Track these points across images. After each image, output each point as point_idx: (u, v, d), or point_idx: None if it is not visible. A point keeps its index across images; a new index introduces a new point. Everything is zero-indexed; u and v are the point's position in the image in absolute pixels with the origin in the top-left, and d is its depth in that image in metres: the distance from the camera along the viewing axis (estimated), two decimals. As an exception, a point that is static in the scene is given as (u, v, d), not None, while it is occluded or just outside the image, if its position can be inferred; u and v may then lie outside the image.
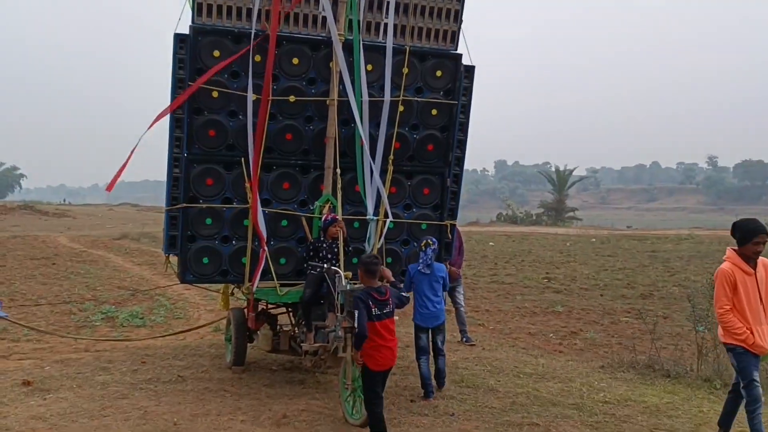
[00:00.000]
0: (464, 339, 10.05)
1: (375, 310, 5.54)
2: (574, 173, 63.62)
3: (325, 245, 7.26)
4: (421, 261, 7.36)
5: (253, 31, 7.26)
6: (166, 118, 7.33)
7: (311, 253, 7.31)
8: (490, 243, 26.60)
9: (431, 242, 7.38)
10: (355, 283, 6.79)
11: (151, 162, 7.75)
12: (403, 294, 5.94)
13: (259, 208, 7.43)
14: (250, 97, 7.28)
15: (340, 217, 7.38)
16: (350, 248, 7.59)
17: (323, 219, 7.37)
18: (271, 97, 7.35)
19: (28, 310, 11.91)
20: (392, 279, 6.78)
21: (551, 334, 11.13)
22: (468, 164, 8.46)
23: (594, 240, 28.74)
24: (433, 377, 7.37)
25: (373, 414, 5.74)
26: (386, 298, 5.57)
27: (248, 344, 8.22)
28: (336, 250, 7.28)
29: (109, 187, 7.74)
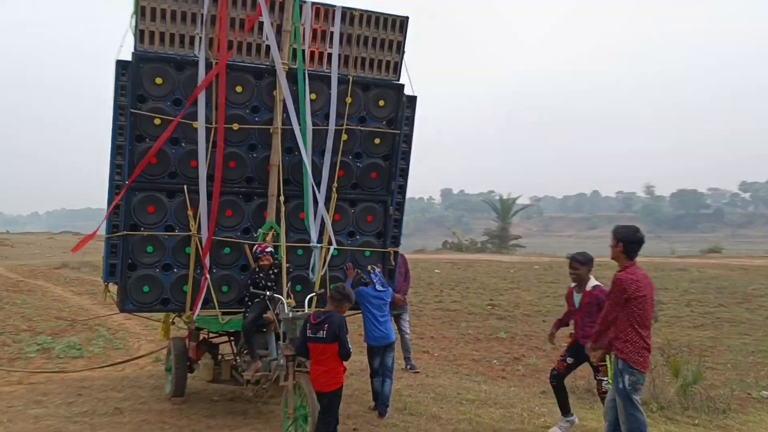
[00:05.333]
0: (408, 366, 10.08)
1: (309, 332, 5.78)
2: (517, 201, 64.67)
3: (262, 275, 7.24)
4: (376, 282, 7.57)
5: (202, 59, 7.25)
6: (108, 145, 7.26)
7: (251, 286, 7.23)
8: (436, 270, 26.71)
9: (375, 267, 7.78)
10: (297, 310, 6.79)
11: (92, 189, 7.63)
12: (350, 347, 5.89)
13: (204, 236, 7.38)
14: (202, 124, 7.28)
15: (270, 247, 7.36)
16: (291, 271, 7.58)
17: (254, 250, 7.36)
18: (214, 125, 7.35)
19: (-43, 342, 11.44)
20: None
21: (494, 360, 11.25)
22: (414, 192, 8.72)
23: (537, 267, 29.17)
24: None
25: None
26: (318, 323, 5.74)
27: (189, 374, 8.08)
28: (274, 277, 7.26)
29: (75, 249, 8.64)
